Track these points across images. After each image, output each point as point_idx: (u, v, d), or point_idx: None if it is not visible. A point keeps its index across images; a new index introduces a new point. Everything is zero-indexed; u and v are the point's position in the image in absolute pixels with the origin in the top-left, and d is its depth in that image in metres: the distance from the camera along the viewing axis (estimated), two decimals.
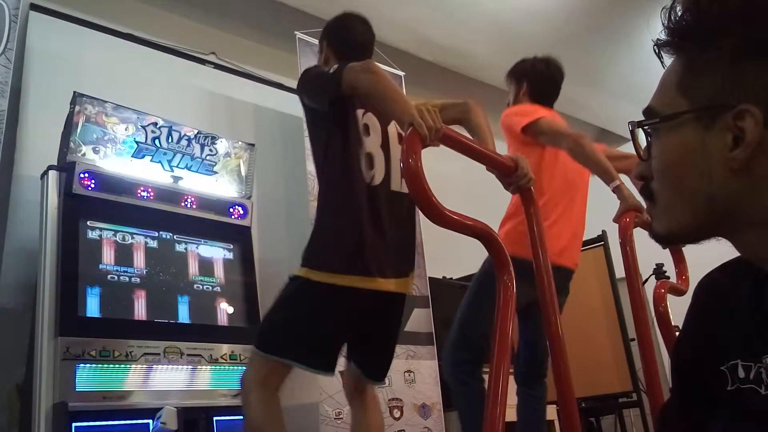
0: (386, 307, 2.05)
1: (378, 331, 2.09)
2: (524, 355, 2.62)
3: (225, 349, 2.81)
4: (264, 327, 2.02)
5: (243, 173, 3.36)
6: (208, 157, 3.23)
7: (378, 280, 1.94)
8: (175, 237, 2.99)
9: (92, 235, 2.72)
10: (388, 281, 1.97)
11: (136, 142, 2.98)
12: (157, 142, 3.04)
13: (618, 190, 2.24)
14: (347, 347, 2.12)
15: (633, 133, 0.78)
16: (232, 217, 3.19)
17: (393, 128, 2.11)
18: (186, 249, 3.00)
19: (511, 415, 2.24)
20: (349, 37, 2.20)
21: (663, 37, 0.74)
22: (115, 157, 2.91)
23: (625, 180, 2.34)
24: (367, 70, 1.85)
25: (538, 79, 2.76)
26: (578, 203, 2.73)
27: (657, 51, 0.75)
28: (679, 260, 2.37)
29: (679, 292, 2.20)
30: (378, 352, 2.13)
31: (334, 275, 1.90)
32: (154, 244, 2.90)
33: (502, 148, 2.23)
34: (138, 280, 2.76)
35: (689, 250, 2.16)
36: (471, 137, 2.03)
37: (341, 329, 1.99)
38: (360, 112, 2.05)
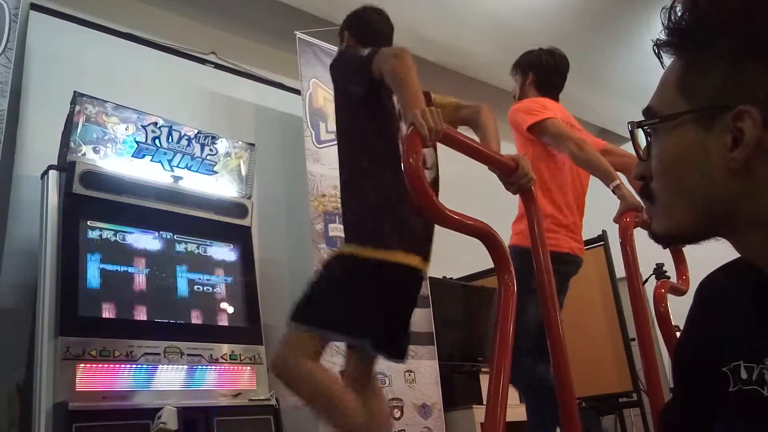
0: (417, 287, 2.09)
1: (409, 310, 2.11)
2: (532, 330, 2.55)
3: (225, 349, 2.81)
4: (307, 302, 1.97)
5: (243, 173, 3.36)
6: (208, 157, 3.23)
7: (418, 258, 1.99)
8: (175, 237, 2.99)
9: (92, 234, 2.72)
10: (420, 260, 2.01)
11: (137, 142, 2.98)
12: (157, 141, 3.04)
13: (617, 190, 2.25)
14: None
15: (633, 133, 0.78)
16: (233, 216, 3.19)
17: None
18: (186, 249, 3.00)
19: (511, 415, 2.23)
20: (369, 27, 2.27)
21: (663, 37, 0.74)
22: (115, 157, 2.91)
23: (624, 180, 2.35)
24: (395, 55, 1.89)
25: (544, 70, 2.79)
26: (583, 194, 2.78)
27: (657, 51, 0.75)
28: (680, 260, 2.37)
29: (680, 292, 2.20)
30: (406, 330, 2.15)
31: (383, 251, 1.92)
32: (154, 244, 2.90)
33: (509, 148, 2.24)
34: (138, 280, 2.76)
35: (690, 251, 2.16)
36: (478, 138, 2.07)
37: (391, 304, 2.00)
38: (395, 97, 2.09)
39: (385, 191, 1.99)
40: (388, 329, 2.00)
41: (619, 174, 2.40)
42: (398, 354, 2.13)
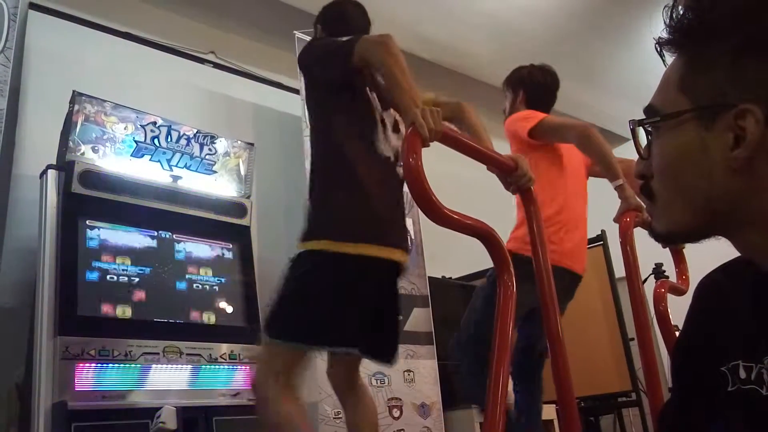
0: (394, 280, 2.01)
1: (389, 306, 2.03)
2: (517, 357, 2.59)
3: (224, 348, 2.80)
4: (277, 312, 1.85)
5: (242, 172, 3.36)
6: (207, 157, 3.22)
7: (393, 250, 1.91)
8: (174, 236, 2.98)
9: (91, 234, 2.72)
10: (396, 251, 1.93)
11: (135, 142, 2.98)
12: (156, 141, 3.04)
13: (620, 190, 2.24)
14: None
15: (633, 131, 0.78)
16: (232, 216, 3.18)
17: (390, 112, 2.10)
18: (185, 248, 3.00)
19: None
20: (344, 22, 2.17)
21: (665, 35, 0.73)
22: (114, 157, 2.91)
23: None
24: (382, 44, 1.80)
25: (535, 87, 2.78)
26: (583, 208, 2.75)
27: (659, 49, 0.75)
28: (680, 260, 2.37)
29: (680, 291, 2.20)
30: (390, 329, 2.07)
31: (356, 245, 1.82)
32: (153, 243, 2.90)
33: (501, 148, 2.23)
34: (137, 279, 2.76)
35: (690, 250, 2.16)
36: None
37: (367, 302, 1.89)
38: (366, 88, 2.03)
39: (356, 184, 1.90)
40: (364, 330, 1.88)
41: None
42: (385, 357, 2.04)
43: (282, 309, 1.85)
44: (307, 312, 1.82)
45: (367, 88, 2.02)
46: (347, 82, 1.95)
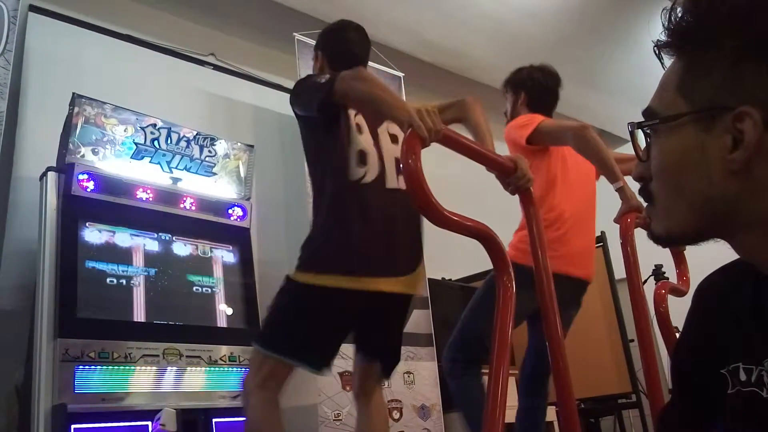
0: (391, 305, 2.04)
1: (386, 324, 2.10)
2: (530, 360, 2.61)
3: (224, 350, 2.80)
4: (265, 324, 2.03)
5: (242, 174, 3.36)
6: (207, 159, 3.22)
7: (378, 280, 1.93)
8: (174, 238, 2.98)
9: (91, 236, 2.72)
10: (388, 281, 1.95)
11: (135, 144, 2.98)
12: (156, 143, 3.04)
13: (621, 191, 2.23)
14: (359, 343, 2.13)
15: (632, 134, 0.78)
16: (231, 218, 3.19)
17: (384, 127, 2.11)
18: (185, 250, 3.00)
19: (510, 416, 2.24)
20: (343, 48, 2.21)
21: (663, 38, 0.74)
22: (114, 159, 2.91)
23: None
24: (359, 78, 1.86)
25: (536, 88, 2.74)
26: (590, 214, 2.73)
27: (657, 52, 0.75)
28: (680, 261, 2.36)
29: (680, 293, 2.19)
30: (391, 341, 2.14)
31: (333, 277, 1.89)
32: (153, 245, 2.90)
33: (502, 149, 2.23)
34: (137, 281, 2.76)
35: (690, 251, 2.16)
36: (471, 135, 2.03)
37: (340, 330, 1.99)
38: (352, 112, 2.05)
39: (337, 214, 1.95)
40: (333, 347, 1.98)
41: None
42: (391, 363, 2.14)
43: (269, 323, 2.00)
44: (287, 329, 1.93)
45: (353, 113, 2.05)
46: (330, 116, 1.99)
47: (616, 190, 2.25)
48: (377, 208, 1.98)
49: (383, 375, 2.16)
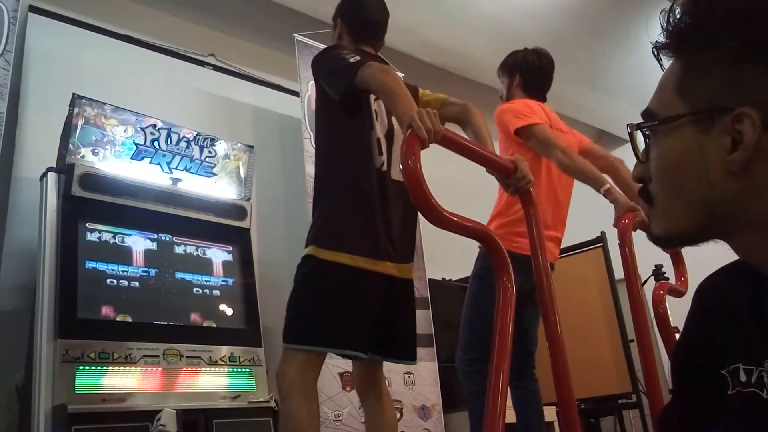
0: (393, 292, 2.05)
1: (395, 314, 2.09)
2: (516, 337, 2.60)
3: (224, 351, 2.80)
4: (289, 318, 1.97)
5: (242, 175, 3.36)
6: (207, 159, 3.22)
7: (383, 263, 1.97)
8: (174, 239, 2.98)
9: (91, 237, 2.72)
10: (389, 265, 2.00)
11: (135, 144, 2.98)
12: (156, 143, 3.04)
13: (609, 194, 2.26)
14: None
15: (631, 135, 0.78)
16: (231, 218, 3.18)
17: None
18: (185, 251, 3.00)
19: (511, 416, 2.23)
20: (362, 15, 2.24)
21: (662, 39, 0.74)
22: (114, 159, 2.91)
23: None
24: (383, 70, 1.90)
25: (531, 71, 2.79)
26: (558, 213, 2.74)
27: (656, 53, 0.75)
28: (678, 262, 2.37)
29: (679, 293, 2.19)
30: (402, 330, 2.13)
31: (342, 255, 1.92)
32: (153, 246, 2.90)
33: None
34: (137, 282, 2.76)
35: (689, 252, 2.16)
36: (467, 137, 2.06)
37: (361, 306, 1.98)
38: (372, 97, 2.09)
39: (355, 194, 1.99)
40: (364, 331, 1.97)
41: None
42: (404, 356, 2.13)
43: (293, 316, 1.97)
44: (308, 315, 1.93)
45: (373, 98, 2.08)
46: (351, 99, 2.01)
47: (603, 194, 2.28)
48: (390, 196, 2.04)
49: (407, 362, 2.16)
